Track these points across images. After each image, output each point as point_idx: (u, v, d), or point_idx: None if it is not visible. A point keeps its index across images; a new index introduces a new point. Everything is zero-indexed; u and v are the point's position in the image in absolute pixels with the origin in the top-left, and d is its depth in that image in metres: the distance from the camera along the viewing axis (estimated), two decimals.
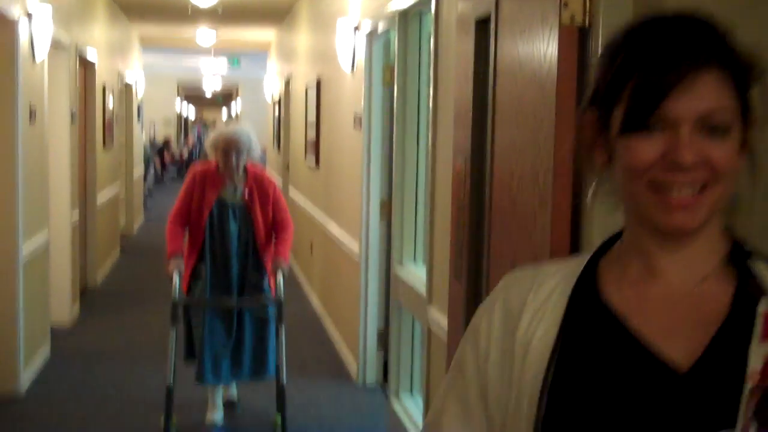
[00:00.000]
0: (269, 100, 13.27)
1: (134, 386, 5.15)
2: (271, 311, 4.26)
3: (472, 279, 2.49)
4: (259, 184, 4.26)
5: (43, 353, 5.54)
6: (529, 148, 2.06)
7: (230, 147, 4.16)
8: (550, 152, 1.91)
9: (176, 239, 4.17)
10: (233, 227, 4.22)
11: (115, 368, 5.53)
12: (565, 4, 1.84)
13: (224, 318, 4.25)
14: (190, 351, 4.33)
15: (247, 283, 4.26)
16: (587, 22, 1.83)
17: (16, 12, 4.87)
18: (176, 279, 4.07)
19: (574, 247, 1.89)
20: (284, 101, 10.44)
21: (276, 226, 4.29)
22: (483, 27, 2.46)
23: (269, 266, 4.25)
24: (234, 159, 4.17)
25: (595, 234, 1.80)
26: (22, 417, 4.61)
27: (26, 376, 5.06)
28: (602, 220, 1.78)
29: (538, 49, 1.99)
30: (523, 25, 2.11)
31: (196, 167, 4.31)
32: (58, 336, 6.07)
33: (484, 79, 2.43)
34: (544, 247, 1.94)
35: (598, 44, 1.79)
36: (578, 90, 1.90)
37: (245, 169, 4.26)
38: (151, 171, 17.42)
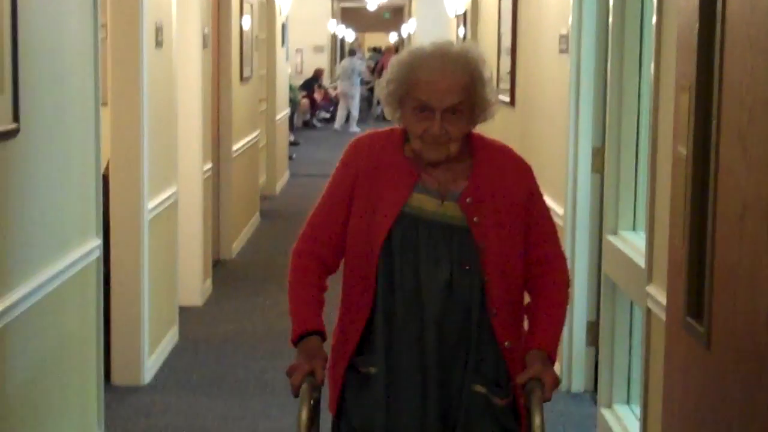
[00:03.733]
0: (451, 15, 13.57)
1: (277, 379, 5.62)
2: None
3: (695, 241, 2.66)
4: (498, 174, 2.79)
5: (170, 337, 6.15)
6: (762, 70, 2.18)
7: (438, 93, 2.66)
8: None
9: (309, 295, 2.82)
10: (441, 271, 2.72)
11: (252, 357, 6.07)
12: None
13: None
14: None
15: (473, 402, 2.75)
16: None
17: None
18: (305, 399, 2.65)
19: None
20: (471, 17, 10.69)
21: (533, 269, 2.83)
22: None
23: (517, 364, 2.78)
24: (445, 120, 2.67)
25: None
26: (145, 410, 5.19)
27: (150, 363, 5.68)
28: None
29: None
30: None
31: (360, 140, 2.90)
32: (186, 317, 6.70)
33: None
34: None
35: None
36: None
37: (469, 141, 2.80)
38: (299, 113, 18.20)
